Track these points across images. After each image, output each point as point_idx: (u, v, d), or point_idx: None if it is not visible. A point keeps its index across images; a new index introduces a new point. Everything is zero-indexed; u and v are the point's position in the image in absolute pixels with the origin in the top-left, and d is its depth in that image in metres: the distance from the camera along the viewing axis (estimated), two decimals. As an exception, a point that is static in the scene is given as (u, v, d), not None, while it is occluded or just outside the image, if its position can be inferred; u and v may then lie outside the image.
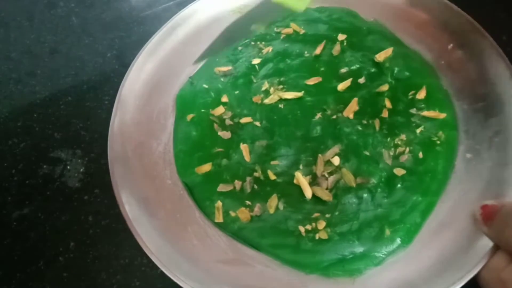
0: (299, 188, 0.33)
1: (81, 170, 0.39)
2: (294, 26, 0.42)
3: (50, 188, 0.38)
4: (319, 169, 0.33)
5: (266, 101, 0.37)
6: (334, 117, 0.36)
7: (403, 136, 0.34)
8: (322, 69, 0.39)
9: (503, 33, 0.40)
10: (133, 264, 0.34)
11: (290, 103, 0.37)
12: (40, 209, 0.37)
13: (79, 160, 0.40)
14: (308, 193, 0.32)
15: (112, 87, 0.40)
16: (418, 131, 0.34)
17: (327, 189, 0.32)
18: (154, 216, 0.33)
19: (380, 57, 0.38)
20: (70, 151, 0.40)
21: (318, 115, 0.36)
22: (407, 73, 0.37)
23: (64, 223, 0.37)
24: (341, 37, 0.40)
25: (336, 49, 0.39)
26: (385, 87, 0.37)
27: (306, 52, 0.40)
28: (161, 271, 0.34)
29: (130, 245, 0.35)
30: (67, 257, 0.35)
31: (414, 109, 0.36)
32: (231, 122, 0.37)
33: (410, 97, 0.36)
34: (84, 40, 0.48)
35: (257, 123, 0.36)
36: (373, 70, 0.38)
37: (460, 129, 0.35)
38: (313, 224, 0.31)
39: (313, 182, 0.33)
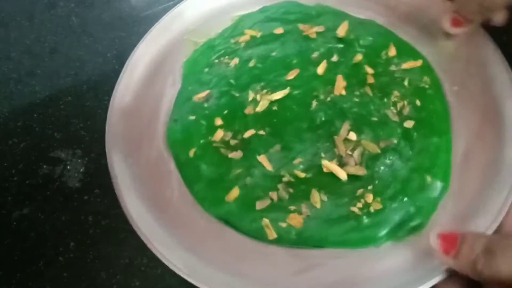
0: (332, 175, 0.33)
1: (81, 170, 0.39)
2: (249, 32, 0.42)
3: (50, 188, 0.38)
4: (341, 149, 0.34)
5: (258, 109, 0.37)
6: (329, 99, 0.36)
7: (396, 93, 0.36)
8: (295, 61, 0.39)
9: (503, 33, 0.40)
10: (133, 264, 0.34)
11: (282, 102, 0.37)
12: (40, 209, 0.37)
13: (79, 160, 0.40)
14: (342, 175, 0.33)
15: (112, 87, 0.40)
16: (405, 83, 0.37)
17: (356, 164, 0.33)
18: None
19: (341, 32, 0.40)
20: (70, 151, 0.40)
21: (314, 103, 0.36)
22: (370, 38, 0.40)
23: (64, 223, 0.37)
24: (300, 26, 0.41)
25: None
26: (359, 57, 0.38)
27: (272, 52, 0.40)
28: (161, 271, 0.34)
29: (130, 245, 0.35)
30: (67, 257, 0.35)
31: (393, 65, 0.38)
32: (236, 141, 0.36)
33: (384, 57, 0.39)
34: (84, 40, 0.48)
35: (261, 132, 0.36)
36: (340, 46, 0.40)
37: (438, 70, 0.38)
38: (362, 200, 0.32)
39: (341, 163, 0.33)
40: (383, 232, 0.31)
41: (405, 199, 0.32)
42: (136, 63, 0.41)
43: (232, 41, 0.42)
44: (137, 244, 0.32)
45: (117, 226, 0.36)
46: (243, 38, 0.42)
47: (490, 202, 0.30)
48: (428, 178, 0.32)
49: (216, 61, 0.41)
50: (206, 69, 0.41)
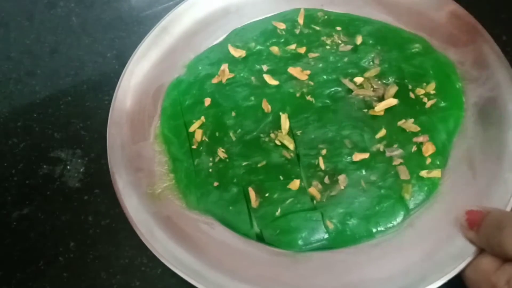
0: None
1: (81, 170, 0.39)
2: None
3: (50, 188, 0.38)
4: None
5: (285, 141, 0.36)
6: (309, 99, 0.38)
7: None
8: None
9: (503, 33, 0.40)
10: (133, 264, 0.34)
11: (297, 119, 0.37)
12: (40, 209, 0.37)
13: (79, 160, 0.40)
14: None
15: (112, 87, 0.40)
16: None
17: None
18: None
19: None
20: (70, 151, 0.40)
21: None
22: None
23: (64, 223, 0.37)
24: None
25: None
26: None
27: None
28: (161, 271, 0.34)
29: (130, 245, 0.35)
30: (67, 257, 0.35)
31: None
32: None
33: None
34: (84, 40, 0.48)
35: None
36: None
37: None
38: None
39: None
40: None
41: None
42: (137, 64, 0.41)
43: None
44: (137, 244, 0.32)
45: (117, 226, 0.36)
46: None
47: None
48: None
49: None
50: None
